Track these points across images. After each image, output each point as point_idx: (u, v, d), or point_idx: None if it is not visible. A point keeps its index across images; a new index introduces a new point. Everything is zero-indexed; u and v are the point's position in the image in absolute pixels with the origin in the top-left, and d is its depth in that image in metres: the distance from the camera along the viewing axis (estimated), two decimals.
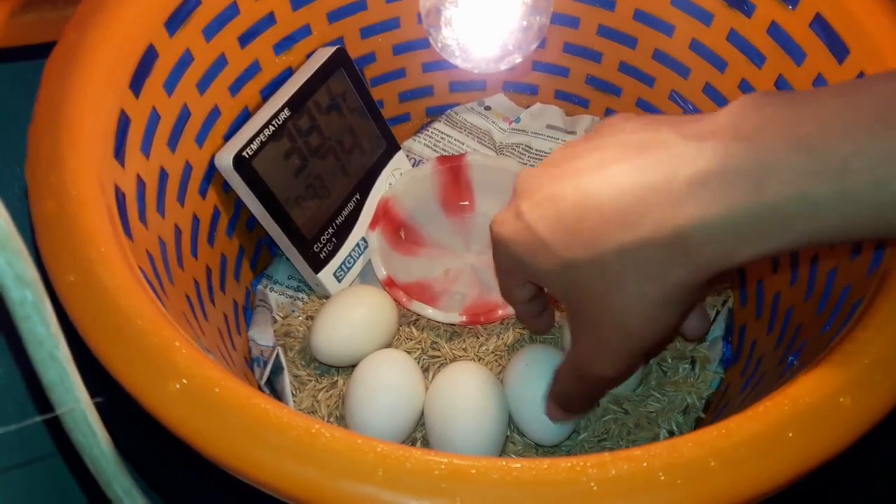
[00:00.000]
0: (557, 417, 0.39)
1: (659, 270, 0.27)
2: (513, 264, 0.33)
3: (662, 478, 0.23)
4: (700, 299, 0.37)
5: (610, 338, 0.30)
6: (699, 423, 0.43)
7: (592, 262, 0.29)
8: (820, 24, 0.38)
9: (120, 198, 0.32)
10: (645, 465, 0.23)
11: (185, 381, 0.24)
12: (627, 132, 0.30)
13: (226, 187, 0.43)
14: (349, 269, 0.49)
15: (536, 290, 0.37)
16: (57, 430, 0.25)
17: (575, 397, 0.37)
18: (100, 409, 0.25)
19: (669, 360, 0.45)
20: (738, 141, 0.26)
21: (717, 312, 0.47)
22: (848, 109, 0.24)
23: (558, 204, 0.30)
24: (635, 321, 0.29)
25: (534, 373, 0.40)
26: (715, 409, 0.43)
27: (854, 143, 0.24)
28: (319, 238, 0.47)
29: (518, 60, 0.48)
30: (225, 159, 0.41)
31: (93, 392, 0.24)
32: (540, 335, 0.45)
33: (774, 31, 0.41)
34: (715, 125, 0.27)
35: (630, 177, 0.28)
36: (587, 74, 0.54)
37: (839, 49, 0.38)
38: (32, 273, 0.22)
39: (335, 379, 0.44)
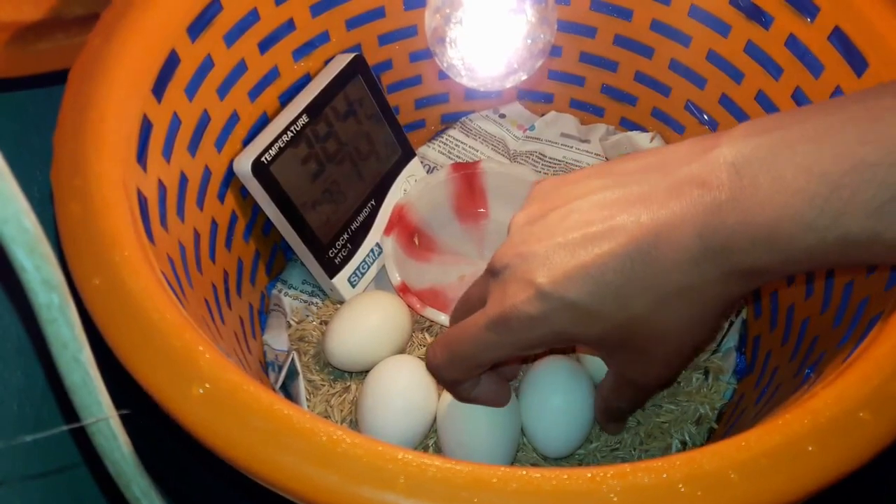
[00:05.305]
0: (613, 430, 0.42)
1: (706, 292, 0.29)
2: (549, 338, 0.32)
3: (682, 489, 0.23)
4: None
5: (665, 354, 0.33)
6: (712, 434, 0.43)
7: (648, 315, 0.30)
8: (839, 37, 0.38)
9: (142, 202, 0.32)
10: (665, 476, 0.23)
11: (207, 385, 0.24)
12: (617, 173, 0.32)
13: (244, 192, 0.43)
14: (363, 274, 0.49)
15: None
16: (79, 436, 0.25)
17: (627, 408, 0.39)
18: (121, 416, 0.25)
19: (682, 371, 0.45)
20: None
21: (731, 323, 0.47)
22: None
23: (590, 272, 0.30)
24: (688, 336, 0.32)
25: (550, 385, 0.40)
26: (728, 420, 0.43)
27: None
28: (334, 243, 0.47)
29: (523, 78, 0.48)
30: (243, 164, 0.41)
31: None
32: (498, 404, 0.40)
33: (792, 43, 0.41)
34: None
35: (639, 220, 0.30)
36: (603, 83, 0.54)
37: (858, 62, 0.37)
38: (59, 277, 0.22)
39: (348, 384, 0.45)
